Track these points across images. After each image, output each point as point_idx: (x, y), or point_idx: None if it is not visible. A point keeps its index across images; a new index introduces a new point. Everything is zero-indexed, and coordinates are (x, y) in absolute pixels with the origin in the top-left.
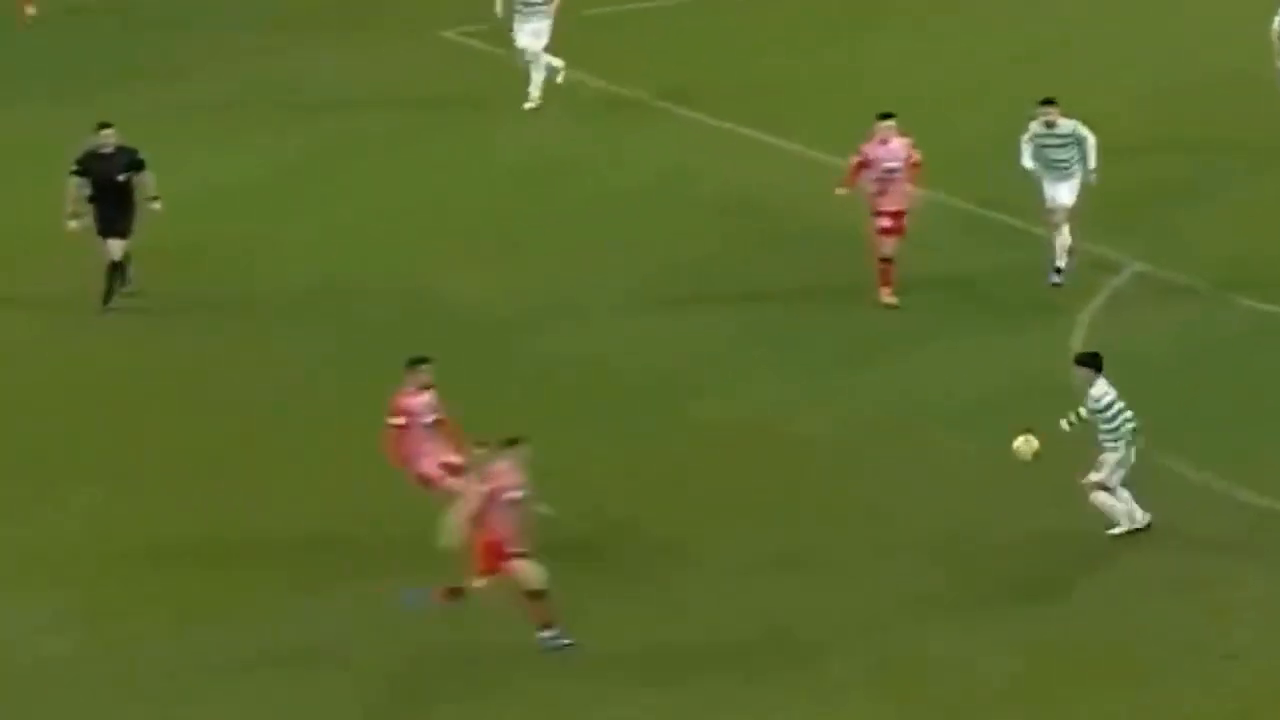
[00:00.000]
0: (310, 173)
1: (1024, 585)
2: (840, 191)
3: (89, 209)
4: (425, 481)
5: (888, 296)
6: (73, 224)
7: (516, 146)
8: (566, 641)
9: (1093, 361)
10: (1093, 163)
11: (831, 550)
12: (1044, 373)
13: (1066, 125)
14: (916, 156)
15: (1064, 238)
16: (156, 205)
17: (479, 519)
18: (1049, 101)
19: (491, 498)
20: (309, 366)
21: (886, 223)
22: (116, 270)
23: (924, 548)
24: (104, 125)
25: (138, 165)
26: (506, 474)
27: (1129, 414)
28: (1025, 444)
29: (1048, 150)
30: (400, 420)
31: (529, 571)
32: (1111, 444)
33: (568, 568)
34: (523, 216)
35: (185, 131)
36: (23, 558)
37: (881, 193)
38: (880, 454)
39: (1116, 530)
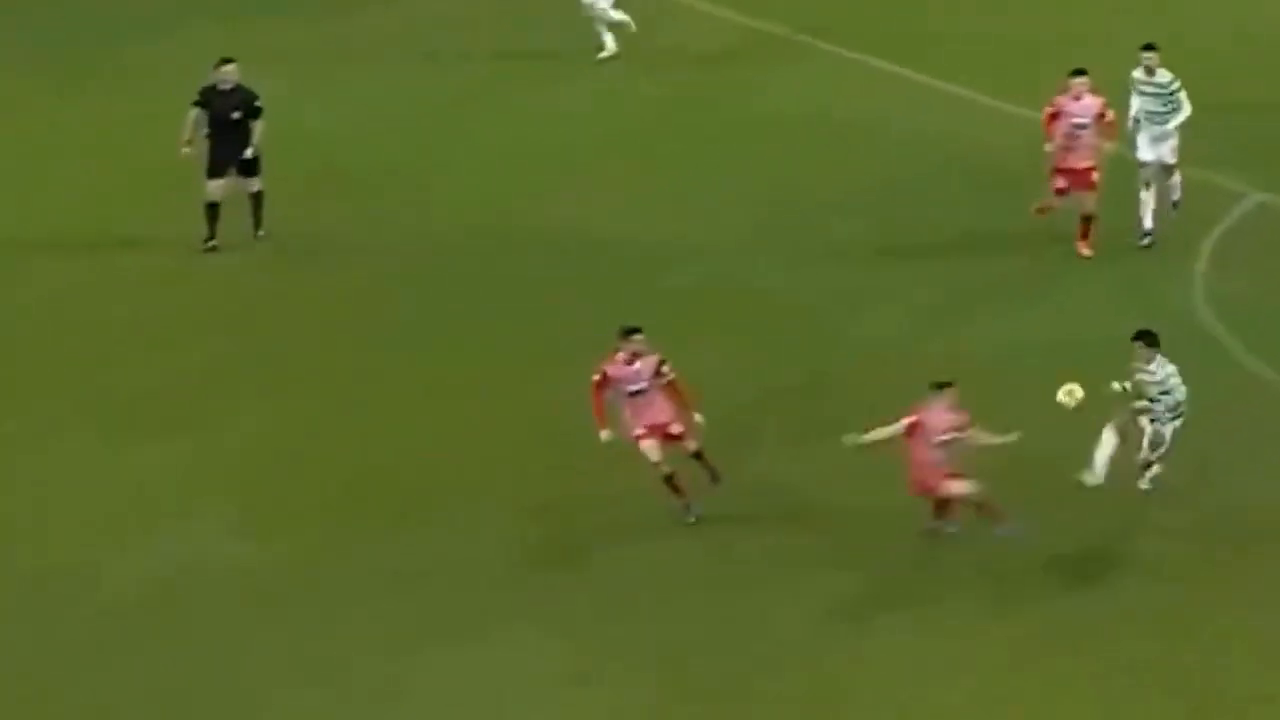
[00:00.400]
0: (458, 108)
1: (1137, 527)
2: (1048, 148)
3: (204, 143)
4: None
5: (1085, 249)
6: (186, 149)
7: (659, 82)
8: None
9: (1155, 339)
10: (1177, 121)
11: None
12: (1166, 300)
13: (1165, 76)
14: (1111, 115)
15: (1173, 190)
16: (249, 153)
17: (908, 450)
18: (1150, 47)
19: (912, 432)
20: (454, 294)
21: (1062, 183)
22: (257, 199)
23: (1047, 478)
24: (226, 61)
25: (254, 111)
26: (934, 414)
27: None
28: (1068, 395)
29: (1144, 99)
30: (596, 378)
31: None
32: (1171, 419)
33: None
34: (665, 148)
35: (342, 64)
36: (195, 471)
37: (1067, 148)
38: (1015, 381)
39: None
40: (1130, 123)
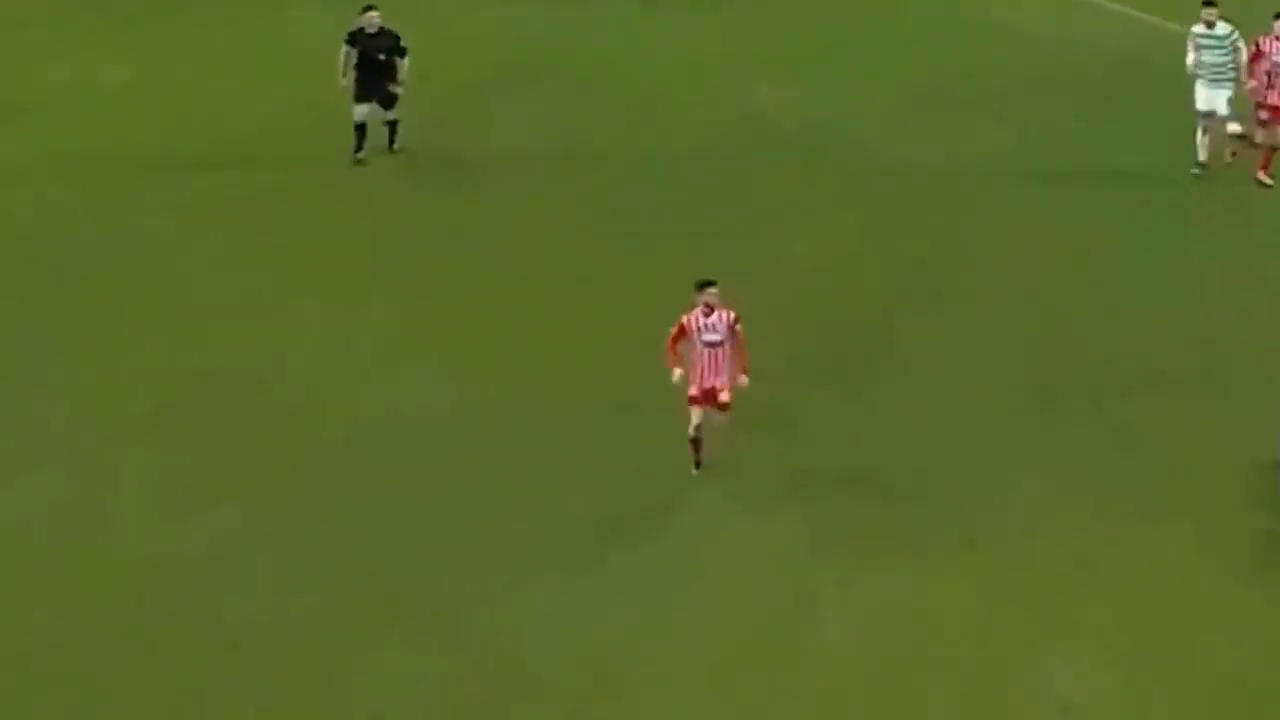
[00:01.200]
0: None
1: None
2: (1250, 84)
3: (353, 73)
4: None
5: (1264, 177)
6: (344, 82)
7: None
8: None
9: None
10: (1233, 74)
11: (1069, 328)
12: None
13: (1224, 29)
14: None
15: (1230, 131)
16: (399, 89)
17: None
18: (1209, 2)
19: None
20: (627, 179)
21: (1264, 115)
22: (392, 126)
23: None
24: (369, 8)
25: (400, 50)
26: None
27: None
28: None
29: (1204, 53)
30: (674, 329)
31: None
32: None
33: (869, 334)
34: (823, 48)
35: None
36: (399, 331)
37: (1270, 86)
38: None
39: None
40: (1190, 78)
